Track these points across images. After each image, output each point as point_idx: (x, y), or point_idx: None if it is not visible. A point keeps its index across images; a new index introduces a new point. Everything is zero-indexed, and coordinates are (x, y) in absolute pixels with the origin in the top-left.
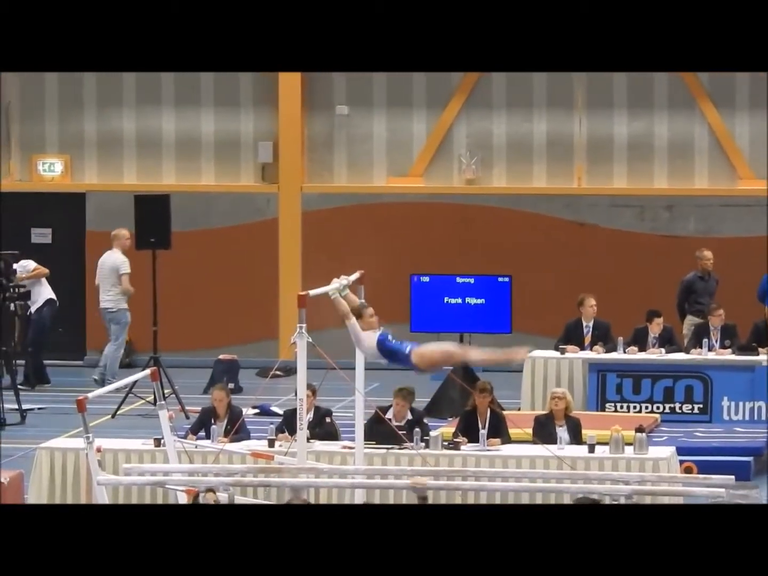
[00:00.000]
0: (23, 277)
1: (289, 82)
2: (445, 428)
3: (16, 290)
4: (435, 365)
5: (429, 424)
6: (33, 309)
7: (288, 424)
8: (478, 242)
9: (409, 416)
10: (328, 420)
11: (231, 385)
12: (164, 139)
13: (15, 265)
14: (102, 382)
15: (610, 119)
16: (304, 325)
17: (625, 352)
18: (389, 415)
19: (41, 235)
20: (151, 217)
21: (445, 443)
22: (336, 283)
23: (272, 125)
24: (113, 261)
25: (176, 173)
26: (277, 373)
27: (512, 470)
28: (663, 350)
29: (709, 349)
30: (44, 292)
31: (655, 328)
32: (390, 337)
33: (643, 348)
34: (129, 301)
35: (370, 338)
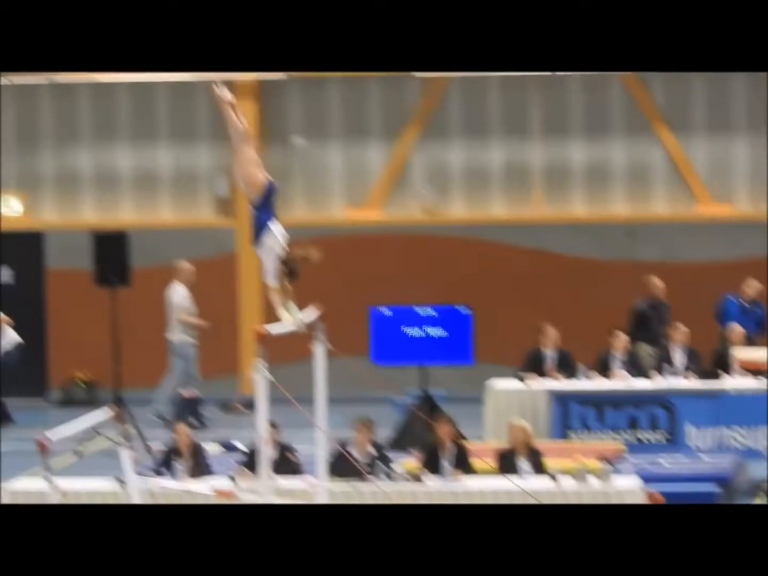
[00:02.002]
0: None
1: (245, 114)
2: (409, 462)
3: None
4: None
5: (392, 457)
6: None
7: (251, 461)
8: (437, 272)
9: (372, 450)
10: (290, 456)
11: (193, 421)
12: (121, 174)
13: None
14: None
15: (566, 146)
16: (262, 362)
17: (588, 379)
18: (351, 448)
19: (1, 275)
20: (110, 254)
21: (409, 477)
22: (290, 321)
23: (229, 158)
24: (172, 295)
25: (134, 209)
26: (240, 407)
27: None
28: (629, 374)
29: (672, 375)
30: (7, 335)
31: (618, 344)
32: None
33: (608, 374)
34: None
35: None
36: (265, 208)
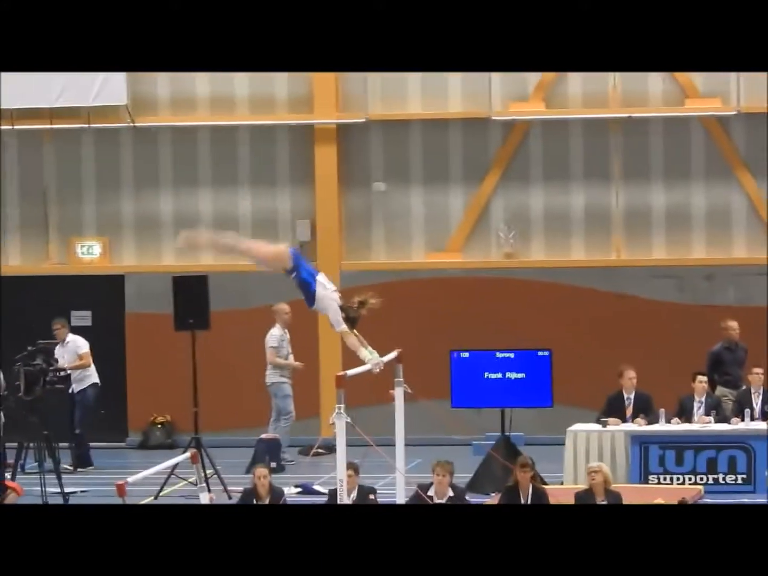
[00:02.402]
0: (71, 366)
1: (325, 160)
2: (488, 504)
3: (57, 375)
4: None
5: (471, 500)
6: (77, 390)
7: (333, 503)
8: (517, 316)
9: (451, 493)
10: (371, 497)
11: (273, 464)
12: (201, 218)
13: (68, 337)
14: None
15: (647, 190)
16: (342, 406)
17: (668, 422)
18: (430, 491)
19: (81, 318)
20: (190, 298)
21: None
22: (369, 362)
23: (309, 203)
24: (268, 337)
25: (214, 253)
26: (319, 451)
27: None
28: (711, 419)
29: (752, 419)
30: (89, 375)
31: (699, 388)
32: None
33: (689, 419)
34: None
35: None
36: (300, 268)
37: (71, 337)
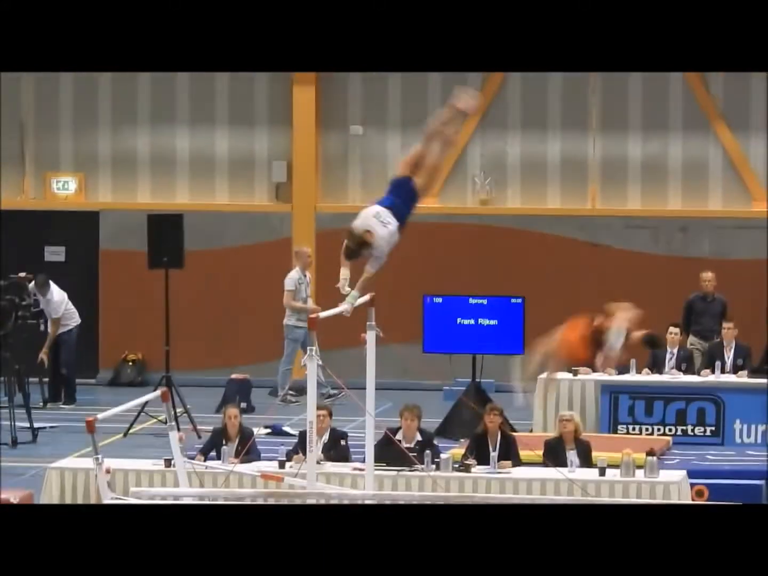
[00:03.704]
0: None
1: (304, 101)
2: (456, 450)
3: (29, 310)
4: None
5: (440, 445)
6: (61, 331)
7: (303, 444)
8: (491, 263)
9: (419, 437)
10: (342, 443)
11: (243, 405)
12: (178, 157)
13: (49, 291)
14: (282, 398)
15: (624, 140)
16: (315, 347)
17: (639, 373)
18: (399, 436)
19: (55, 254)
20: (165, 236)
21: (456, 465)
22: (346, 305)
23: (286, 144)
24: (286, 279)
25: (190, 192)
26: (290, 393)
27: (522, 496)
28: (681, 372)
29: (722, 371)
30: (73, 317)
31: (671, 340)
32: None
33: (660, 370)
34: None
35: (384, 232)
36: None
37: (52, 295)
